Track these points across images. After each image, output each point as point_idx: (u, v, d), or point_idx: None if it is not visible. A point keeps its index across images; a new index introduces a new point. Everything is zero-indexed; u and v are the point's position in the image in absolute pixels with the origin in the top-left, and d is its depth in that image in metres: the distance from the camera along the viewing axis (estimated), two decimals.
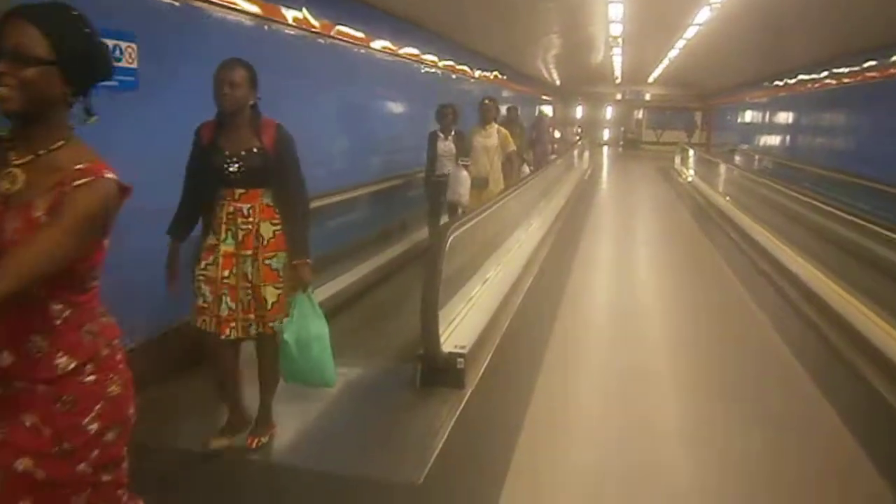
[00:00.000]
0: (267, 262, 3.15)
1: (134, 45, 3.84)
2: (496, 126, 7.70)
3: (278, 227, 3.15)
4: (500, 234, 7.15)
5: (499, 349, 4.82)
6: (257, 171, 3.10)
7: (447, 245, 4.07)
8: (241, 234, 3.12)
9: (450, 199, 7.17)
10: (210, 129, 3.17)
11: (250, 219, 3.11)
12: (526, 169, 10.91)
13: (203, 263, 3.16)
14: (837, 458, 3.62)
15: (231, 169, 3.08)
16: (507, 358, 4.74)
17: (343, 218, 6.74)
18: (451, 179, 7.11)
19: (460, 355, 4.12)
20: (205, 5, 4.64)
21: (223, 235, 3.12)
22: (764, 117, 19.09)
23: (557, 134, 27.16)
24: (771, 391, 4.53)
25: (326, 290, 5.28)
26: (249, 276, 3.14)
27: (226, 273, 3.13)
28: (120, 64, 3.74)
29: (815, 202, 9.74)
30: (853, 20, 9.76)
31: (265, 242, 3.13)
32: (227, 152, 3.09)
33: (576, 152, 18.85)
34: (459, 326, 4.73)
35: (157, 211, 3.25)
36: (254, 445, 3.37)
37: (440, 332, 4.13)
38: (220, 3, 4.78)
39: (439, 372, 4.08)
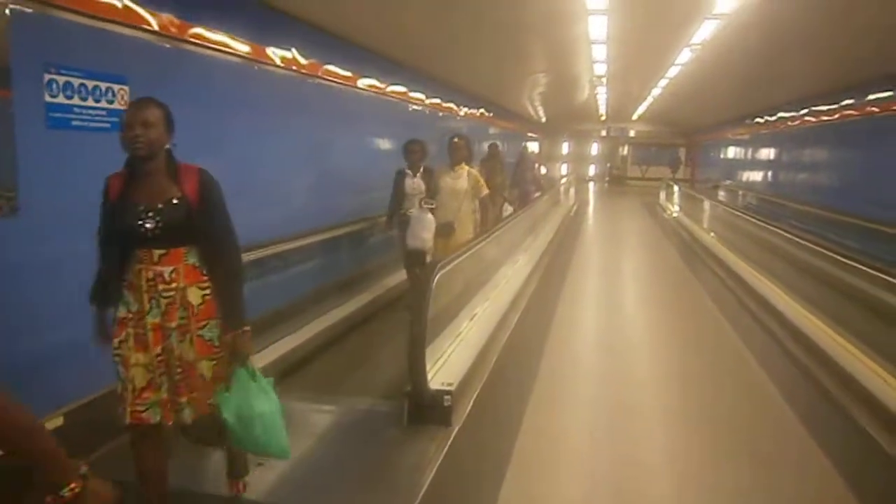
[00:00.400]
0: (199, 333, 2.68)
1: (126, 88, 3.90)
2: (467, 168, 6.97)
3: (207, 292, 2.69)
4: (487, 271, 7.18)
5: (486, 385, 4.82)
6: (178, 225, 2.62)
7: (434, 282, 4.10)
8: (164, 302, 2.63)
9: (411, 246, 6.46)
10: (120, 180, 2.68)
11: (173, 284, 2.63)
12: (508, 208, 10.88)
13: (116, 341, 2.67)
14: (825, 498, 3.64)
15: (147, 226, 2.60)
16: (495, 394, 4.74)
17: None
18: (413, 223, 6.46)
19: (447, 392, 4.12)
20: (190, 47, 4.73)
21: (147, 306, 2.64)
22: (746, 154, 19.41)
23: (543, 170, 27.51)
24: (758, 428, 4.57)
25: (303, 335, 5.31)
26: (178, 353, 2.67)
27: (158, 350, 2.66)
28: (112, 106, 3.80)
29: (798, 239, 9.86)
30: (829, 60, 10.05)
31: (195, 311, 2.67)
32: (140, 206, 2.61)
33: (561, 188, 19.02)
34: (447, 363, 4.73)
35: None
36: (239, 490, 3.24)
37: (427, 369, 4.14)
38: (202, 43, 4.87)
39: (426, 409, 4.07)
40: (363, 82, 8.04)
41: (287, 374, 4.99)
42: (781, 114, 14.96)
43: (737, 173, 20.20)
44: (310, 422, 4.47)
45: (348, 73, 7.50)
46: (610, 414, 4.72)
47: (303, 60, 6.34)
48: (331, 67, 7.01)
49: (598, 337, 6.95)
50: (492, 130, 17.26)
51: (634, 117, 27.24)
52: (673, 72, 13.03)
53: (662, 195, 22.30)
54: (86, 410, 3.69)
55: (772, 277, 8.35)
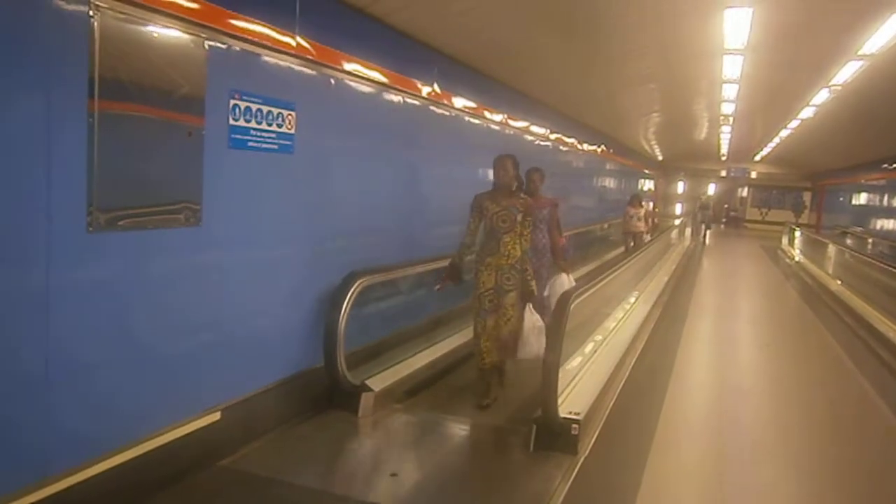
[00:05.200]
0: None
1: (294, 113, 4.26)
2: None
3: None
4: (607, 307, 7.17)
5: (609, 420, 4.82)
6: None
7: (570, 309, 4.19)
8: None
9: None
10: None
11: None
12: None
13: None
14: None
15: None
16: (620, 428, 4.74)
17: None
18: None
19: (576, 421, 4.17)
20: (344, 76, 5.05)
21: None
22: (881, 200, 18.31)
23: (657, 210, 26.97)
24: (889, 475, 4.35)
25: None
26: None
27: None
28: (281, 129, 4.15)
29: None
30: None
31: None
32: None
33: (676, 229, 18.61)
34: (571, 394, 4.78)
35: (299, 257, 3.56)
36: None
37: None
38: (356, 73, 5.19)
39: (554, 436, 4.14)
40: (489, 114, 8.26)
41: (414, 392, 5.18)
42: None
43: (868, 220, 19.07)
44: (440, 433, 4.64)
45: (476, 104, 7.72)
46: (736, 457, 4.61)
47: (438, 90, 6.63)
48: (458, 97, 7.25)
49: (723, 377, 6.78)
50: (609, 167, 17.17)
51: (757, 158, 26.34)
52: (807, 113, 12.59)
53: (784, 240, 21.35)
54: (242, 407, 4.01)
55: None
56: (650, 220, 13.25)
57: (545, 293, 5.75)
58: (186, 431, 3.61)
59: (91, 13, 2.91)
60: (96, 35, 2.93)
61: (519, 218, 4.91)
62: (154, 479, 3.38)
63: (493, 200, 4.96)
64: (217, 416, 3.83)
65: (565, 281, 5.95)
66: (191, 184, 3.55)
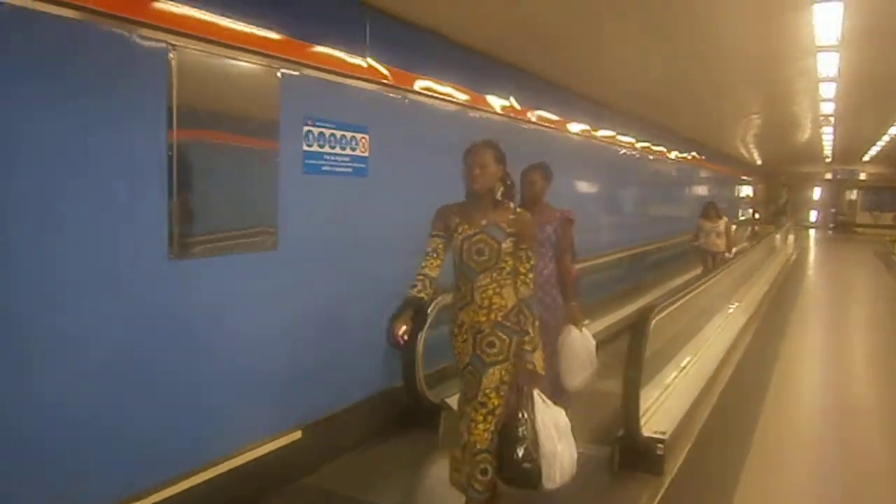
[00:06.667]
0: None
1: (367, 136, 4.34)
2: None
3: None
4: (697, 320, 6.89)
5: (698, 441, 4.61)
6: None
7: (650, 326, 4.05)
8: None
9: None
10: None
11: None
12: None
13: None
14: None
15: None
16: (708, 451, 4.52)
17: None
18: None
19: (660, 441, 4.02)
20: (416, 96, 5.09)
21: None
22: None
23: (756, 216, 25.83)
24: None
25: None
26: None
27: None
28: (355, 153, 4.24)
29: None
30: None
31: None
32: None
33: (778, 235, 17.73)
34: (657, 413, 4.61)
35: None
36: None
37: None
38: (429, 92, 5.23)
39: (638, 456, 4.00)
40: (571, 126, 8.16)
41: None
42: None
43: None
44: None
45: (556, 117, 7.66)
46: (843, 485, 4.29)
47: (517, 105, 6.60)
48: (540, 112, 7.21)
49: (825, 398, 6.35)
50: (703, 174, 16.62)
51: (866, 158, 24.82)
52: None
53: None
54: (323, 425, 4.08)
55: None
56: (730, 237, 9.98)
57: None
58: (268, 450, 3.71)
59: (169, 50, 3.08)
60: (174, 69, 3.10)
61: (506, 245, 3.11)
62: (234, 497, 3.48)
63: (463, 216, 3.19)
64: (298, 434, 3.92)
65: (577, 341, 4.11)
66: (267, 209, 3.67)
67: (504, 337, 3.13)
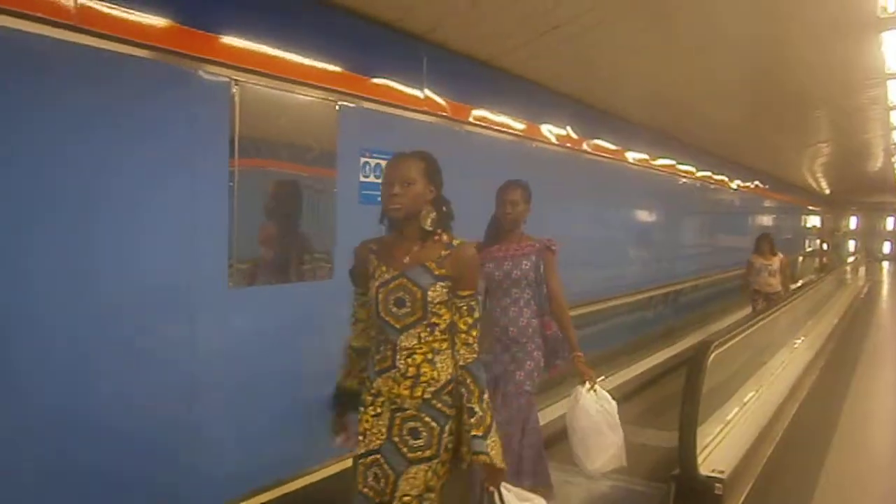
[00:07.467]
0: None
1: None
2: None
3: None
4: (761, 355, 6.66)
5: (759, 482, 4.44)
6: None
7: (709, 360, 3.94)
8: None
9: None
10: None
11: None
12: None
13: None
14: None
15: None
16: (771, 491, 4.35)
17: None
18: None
19: (719, 480, 3.88)
20: (472, 127, 5.14)
21: None
22: None
23: (825, 246, 25.00)
24: None
25: None
26: None
27: None
28: None
29: None
30: None
31: None
32: None
33: (848, 268, 17.09)
34: (715, 450, 4.47)
35: None
36: None
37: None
38: (485, 124, 5.28)
39: (695, 496, 3.87)
40: (629, 155, 8.09)
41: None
42: None
43: None
44: (567, 494, 4.46)
45: (614, 147, 7.60)
46: None
47: (572, 135, 6.59)
48: (597, 141, 7.17)
49: None
50: (766, 203, 16.18)
51: None
52: None
53: None
54: None
55: None
56: (787, 276, 8.71)
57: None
58: (331, 472, 3.75)
59: (232, 85, 3.21)
60: (236, 102, 3.23)
61: (435, 292, 2.28)
62: None
63: (382, 255, 2.42)
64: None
65: (591, 406, 3.43)
66: (324, 239, 3.75)
67: (433, 424, 2.26)
